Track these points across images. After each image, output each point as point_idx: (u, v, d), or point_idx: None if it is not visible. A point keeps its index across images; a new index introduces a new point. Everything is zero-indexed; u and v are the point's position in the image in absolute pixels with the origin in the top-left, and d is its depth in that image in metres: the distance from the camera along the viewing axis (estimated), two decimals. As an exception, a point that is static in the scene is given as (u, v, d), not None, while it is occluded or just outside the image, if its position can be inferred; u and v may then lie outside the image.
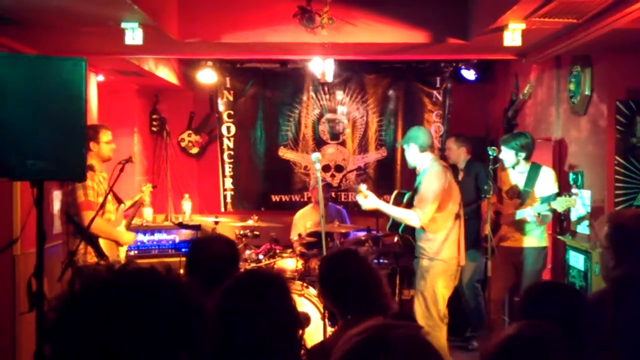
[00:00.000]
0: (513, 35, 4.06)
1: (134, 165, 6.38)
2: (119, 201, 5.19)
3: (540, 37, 4.39)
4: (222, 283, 2.29)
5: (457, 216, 4.96)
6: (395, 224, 5.21)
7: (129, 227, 5.19)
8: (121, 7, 3.67)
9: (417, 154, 4.96)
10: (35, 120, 3.52)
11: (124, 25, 4.02)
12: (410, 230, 5.10)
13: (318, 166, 4.69)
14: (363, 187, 4.87)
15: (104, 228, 4.88)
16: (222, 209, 7.71)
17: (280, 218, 6.91)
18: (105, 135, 4.99)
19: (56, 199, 5.36)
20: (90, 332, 1.11)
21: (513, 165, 5.39)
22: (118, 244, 5.11)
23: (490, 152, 5.13)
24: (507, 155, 5.36)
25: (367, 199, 4.86)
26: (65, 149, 3.61)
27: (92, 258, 4.91)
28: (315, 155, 4.75)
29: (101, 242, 4.91)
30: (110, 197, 4.97)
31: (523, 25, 3.99)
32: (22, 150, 3.50)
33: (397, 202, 5.23)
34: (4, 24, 4.05)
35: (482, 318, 6.03)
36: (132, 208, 5.37)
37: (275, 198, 7.76)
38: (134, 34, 4.09)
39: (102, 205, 4.72)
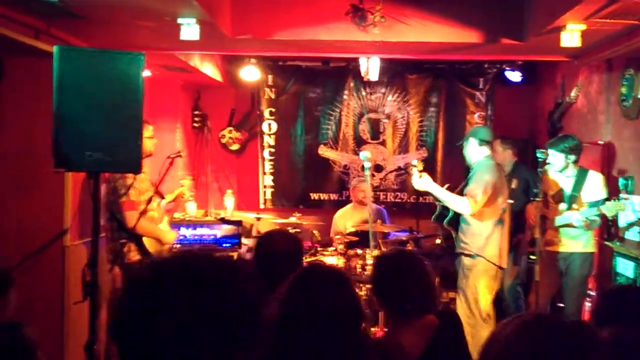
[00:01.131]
0: (571, 36, 4.00)
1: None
2: (161, 196, 5.22)
3: (597, 39, 4.32)
4: (287, 277, 2.30)
5: (504, 215, 4.95)
6: (441, 214, 5.21)
7: (170, 222, 5.23)
8: (181, 2, 3.70)
9: (475, 148, 5.01)
10: (94, 113, 3.57)
11: (180, 20, 4.05)
12: (454, 225, 5.11)
13: (367, 164, 4.68)
14: (419, 165, 4.90)
15: (147, 228, 4.89)
16: (261, 206, 7.74)
17: (321, 216, 6.92)
18: (147, 131, 5.02)
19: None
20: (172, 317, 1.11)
21: (562, 169, 5.31)
22: (160, 242, 5.14)
23: (539, 155, 5.06)
24: (555, 158, 5.28)
25: (422, 179, 4.89)
26: (122, 142, 3.66)
27: (135, 255, 4.94)
28: (364, 154, 4.74)
29: (145, 239, 4.94)
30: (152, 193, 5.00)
31: (583, 26, 3.94)
32: (80, 141, 3.55)
33: None
34: (61, 16, 4.10)
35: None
36: (172, 202, 5.41)
37: (313, 196, 7.76)
38: (189, 30, 4.12)
39: (148, 202, 4.73)
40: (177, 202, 5.42)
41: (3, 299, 3.03)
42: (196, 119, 7.88)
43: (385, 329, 3.33)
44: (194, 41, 4.18)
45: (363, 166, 4.87)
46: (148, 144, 4.90)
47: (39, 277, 4.70)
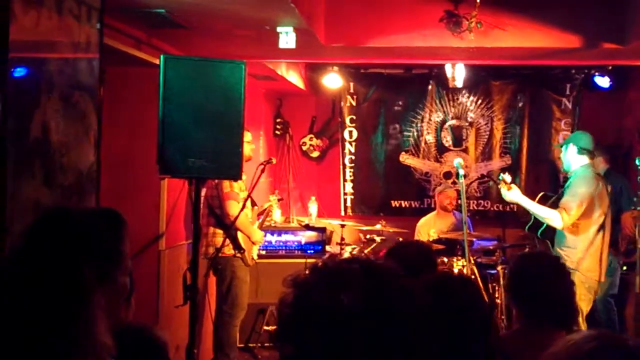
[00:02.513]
0: (680, 39, 3.86)
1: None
2: (253, 204, 5.37)
3: None
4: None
5: (602, 227, 4.77)
6: (535, 225, 5.08)
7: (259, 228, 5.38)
8: (281, 9, 3.75)
9: (574, 155, 4.83)
10: (197, 121, 3.66)
11: (279, 29, 4.12)
12: (549, 236, 4.97)
13: (462, 172, 4.63)
14: (508, 177, 4.78)
15: (244, 221, 5.08)
16: (342, 213, 7.76)
17: (403, 222, 6.89)
18: (245, 136, 5.14)
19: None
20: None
21: None
22: (250, 240, 5.27)
23: (637, 162, 4.90)
24: None
25: (511, 191, 4.76)
26: (224, 149, 3.75)
27: (229, 250, 5.10)
28: (458, 161, 4.71)
29: (239, 235, 5.10)
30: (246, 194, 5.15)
31: (693, 29, 3.79)
32: (184, 148, 3.65)
33: (541, 204, 5.09)
34: (165, 27, 4.23)
35: (615, 335, 5.75)
36: (261, 215, 5.55)
37: (394, 203, 7.73)
38: (287, 38, 4.18)
39: (246, 200, 4.91)
40: (265, 215, 5.57)
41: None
42: (278, 126, 7.97)
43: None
44: (290, 49, 4.24)
45: (457, 173, 4.81)
46: (247, 149, 5.02)
47: (135, 282, 4.84)
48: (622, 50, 4.50)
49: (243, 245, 5.11)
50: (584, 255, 4.72)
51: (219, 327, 5.20)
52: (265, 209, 5.65)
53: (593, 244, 4.75)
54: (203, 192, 5.17)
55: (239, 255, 5.13)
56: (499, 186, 4.97)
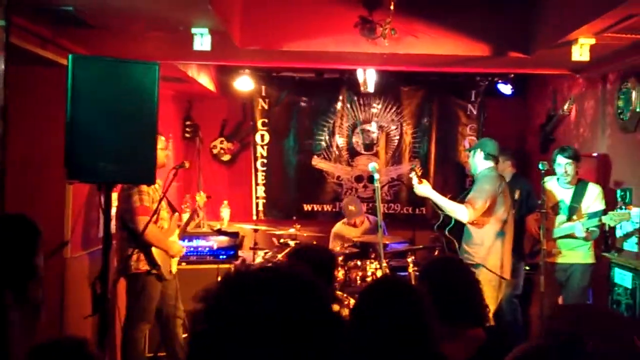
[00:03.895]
0: (581, 50, 4.07)
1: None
2: (173, 210, 5.20)
3: (603, 53, 4.39)
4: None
5: (505, 224, 5.00)
6: (443, 224, 5.27)
7: (182, 236, 5.20)
8: (197, 10, 3.66)
9: (480, 160, 5.12)
10: (108, 123, 3.52)
11: (194, 30, 4.02)
12: (457, 234, 5.17)
13: (377, 176, 4.68)
14: (419, 170, 5.00)
15: (156, 236, 4.88)
16: (254, 217, 7.69)
17: (317, 227, 6.91)
18: (160, 142, 5.00)
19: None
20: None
21: (571, 178, 5.36)
22: (167, 254, 5.09)
23: (540, 167, 5.11)
24: (570, 167, 5.32)
25: (422, 185, 4.95)
26: (137, 153, 3.61)
27: (144, 266, 4.90)
28: (373, 165, 4.75)
29: (154, 250, 4.90)
30: (164, 204, 4.96)
31: (592, 41, 4.00)
32: (94, 152, 3.49)
33: None
34: (73, 25, 4.04)
35: (518, 333, 5.99)
36: (186, 221, 5.41)
37: (307, 207, 7.74)
38: (202, 40, 4.08)
39: (156, 212, 4.72)
40: (190, 218, 5.41)
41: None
42: (188, 129, 7.81)
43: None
44: (207, 51, 4.15)
45: (372, 178, 4.86)
46: (161, 155, 4.87)
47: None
48: (526, 59, 4.70)
49: (158, 261, 4.91)
50: (489, 251, 4.96)
51: (124, 338, 5.00)
52: (190, 216, 5.47)
53: (497, 242, 4.98)
54: (115, 202, 4.97)
55: (154, 271, 4.92)
56: (411, 176, 5.14)
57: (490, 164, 5.11)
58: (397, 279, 2.52)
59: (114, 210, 5.24)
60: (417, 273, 6.04)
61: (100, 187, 3.73)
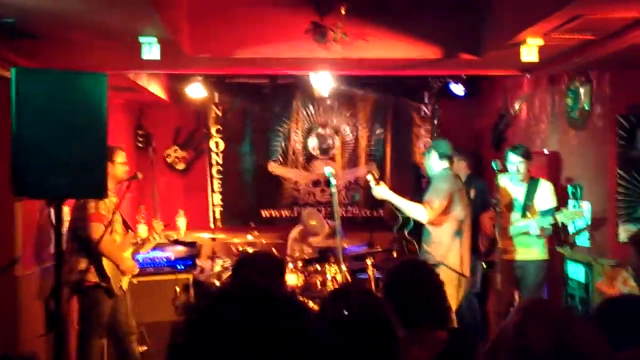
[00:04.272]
0: (530, 51, 4.13)
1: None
2: (127, 227, 5.08)
3: (552, 54, 4.47)
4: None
5: (463, 224, 5.06)
6: (403, 226, 5.31)
7: (135, 254, 5.11)
8: (144, 18, 3.59)
9: (436, 161, 5.18)
10: (56, 137, 3.43)
11: (141, 39, 3.94)
12: (416, 235, 5.22)
13: (333, 181, 4.67)
14: (376, 173, 5.07)
15: (109, 247, 4.78)
16: (212, 225, 7.61)
17: (276, 233, 6.87)
18: (120, 156, 4.92)
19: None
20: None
21: (523, 177, 5.45)
22: (118, 268, 4.96)
23: (494, 166, 5.18)
24: (522, 165, 5.41)
25: (380, 187, 5.01)
26: (87, 166, 3.53)
27: (93, 277, 4.77)
28: (329, 170, 4.74)
29: (104, 263, 4.78)
30: (118, 217, 4.86)
31: (541, 41, 4.06)
32: (42, 167, 3.40)
33: None
34: (14, 37, 3.91)
35: (477, 330, 6.06)
36: (141, 242, 5.29)
37: (265, 213, 7.69)
38: (151, 49, 4.01)
39: (110, 222, 4.62)
40: (145, 241, 5.28)
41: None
42: (140, 138, 7.68)
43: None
44: (155, 60, 4.08)
45: (329, 182, 4.85)
46: (120, 170, 4.78)
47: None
48: (477, 61, 4.75)
49: (108, 274, 4.79)
50: (449, 249, 5.03)
51: (79, 355, 4.87)
52: (147, 237, 5.35)
53: (456, 239, 5.06)
54: (67, 212, 4.84)
55: (103, 284, 4.79)
56: (368, 178, 5.17)
57: (445, 164, 5.16)
58: (361, 285, 2.53)
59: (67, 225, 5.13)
60: (377, 275, 6.07)
61: (50, 202, 3.64)
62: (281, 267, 3.26)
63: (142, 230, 6.76)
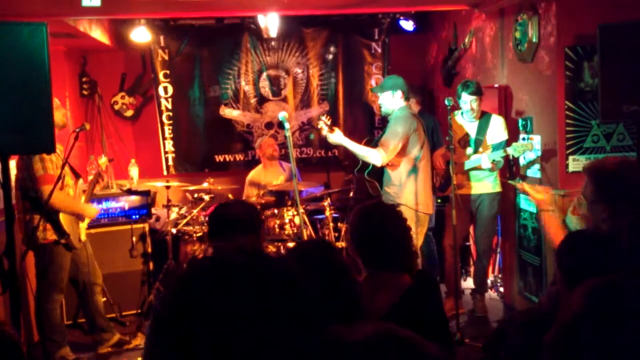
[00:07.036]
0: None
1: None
2: (77, 175, 4.97)
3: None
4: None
5: (419, 162, 5.11)
6: (364, 167, 5.34)
7: (88, 200, 5.01)
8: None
9: (389, 98, 5.16)
10: (-3, 92, 3.28)
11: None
12: (377, 176, 5.26)
13: (287, 125, 4.62)
14: (328, 120, 5.00)
15: (66, 201, 4.70)
16: (165, 172, 7.51)
17: (231, 178, 6.83)
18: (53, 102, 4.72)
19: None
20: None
21: (476, 113, 5.52)
22: (79, 218, 4.90)
23: (447, 102, 5.20)
24: (475, 103, 5.48)
25: (334, 134, 5.00)
26: (32, 120, 3.42)
27: (51, 235, 4.70)
28: (282, 114, 4.69)
29: (62, 218, 4.70)
30: (67, 169, 4.74)
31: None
32: (-16, 124, 3.26)
33: None
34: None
35: (435, 265, 6.21)
36: (90, 185, 5.15)
37: (219, 158, 7.61)
38: (91, -6, 3.84)
39: (60, 178, 4.50)
40: (93, 184, 5.14)
41: None
42: (85, 86, 7.42)
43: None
44: (95, 7, 3.90)
45: (283, 125, 4.80)
46: (58, 116, 4.61)
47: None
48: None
49: (67, 229, 4.72)
50: (405, 187, 5.06)
51: (37, 311, 4.83)
52: (93, 179, 5.21)
53: (411, 177, 5.10)
54: (14, 171, 4.69)
55: (63, 240, 4.73)
56: (321, 130, 5.11)
57: (401, 102, 5.15)
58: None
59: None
60: (334, 215, 6.13)
61: (-5, 159, 3.51)
62: (258, 217, 3.24)
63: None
